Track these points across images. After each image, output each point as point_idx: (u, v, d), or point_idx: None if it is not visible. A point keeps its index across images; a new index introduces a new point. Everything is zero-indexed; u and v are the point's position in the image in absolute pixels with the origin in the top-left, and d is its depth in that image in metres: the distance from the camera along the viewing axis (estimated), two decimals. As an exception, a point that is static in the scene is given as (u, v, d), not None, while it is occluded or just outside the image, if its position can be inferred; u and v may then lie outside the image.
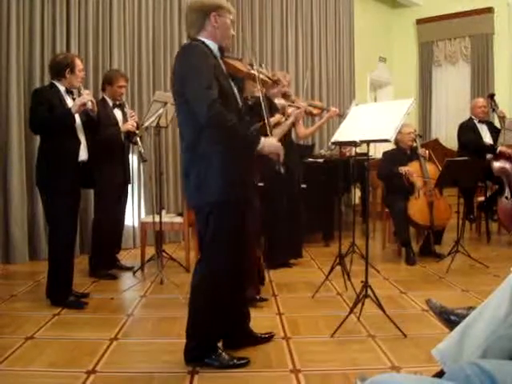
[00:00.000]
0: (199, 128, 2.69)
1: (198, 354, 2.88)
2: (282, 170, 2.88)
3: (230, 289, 2.89)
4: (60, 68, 4.00)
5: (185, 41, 6.88)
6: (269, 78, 3.16)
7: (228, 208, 2.75)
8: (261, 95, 3.08)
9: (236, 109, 2.80)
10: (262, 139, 2.78)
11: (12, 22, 5.31)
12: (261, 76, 3.07)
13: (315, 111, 5.64)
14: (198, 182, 2.75)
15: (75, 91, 4.14)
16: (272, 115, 4.56)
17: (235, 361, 2.90)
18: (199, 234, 2.95)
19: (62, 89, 4.02)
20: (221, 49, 2.87)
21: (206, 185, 2.72)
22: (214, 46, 2.82)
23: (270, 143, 2.80)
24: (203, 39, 2.81)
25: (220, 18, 2.82)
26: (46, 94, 3.97)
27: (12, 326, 3.51)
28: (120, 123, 4.94)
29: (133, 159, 6.23)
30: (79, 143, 4.02)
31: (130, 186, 5.28)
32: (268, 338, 3.22)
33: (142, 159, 4.76)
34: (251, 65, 3.12)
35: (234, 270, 2.87)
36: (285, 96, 5.21)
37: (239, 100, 2.90)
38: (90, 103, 3.98)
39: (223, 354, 2.90)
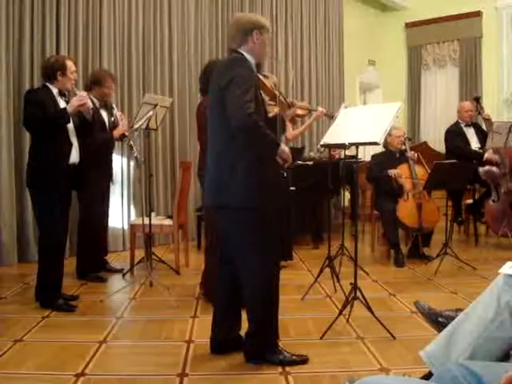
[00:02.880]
0: (230, 132, 2.81)
1: (260, 351, 2.96)
2: (285, 175, 3.21)
3: (276, 285, 3.01)
4: (52, 71, 3.99)
5: (174, 42, 6.93)
6: (285, 100, 3.38)
7: (253, 213, 2.85)
8: (278, 113, 3.40)
9: (264, 119, 2.95)
10: (281, 145, 2.96)
11: (2, 22, 5.29)
12: (280, 97, 3.29)
13: (301, 112, 5.65)
14: (223, 183, 2.86)
15: (70, 92, 4.14)
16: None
17: (294, 357, 2.97)
18: (220, 233, 3.13)
19: (54, 91, 4.01)
20: (257, 64, 3.06)
21: (231, 188, 2.84)
22: (252, 60, 2.98)
23: (284, 150, 2.96)
24: (243, 52, 2.96)
25: (260, 36, 2.99)
26: (40, 94, 3.96)
27: (1, 329, 3.49)
28: (106, 124, 4.94)
29: (122, 161, 6.24)
30: (71, 146, 4.01)
31: (119, 188, 5.28)
32: None
33: (137, 164, 4.78)
34: (275, 84, 3.46)
35: (275, 267, 3.02)
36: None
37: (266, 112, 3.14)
38: (89, 103, 3.98)
39: (283, 351, 2.98)
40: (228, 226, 2.99)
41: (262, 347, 2.97)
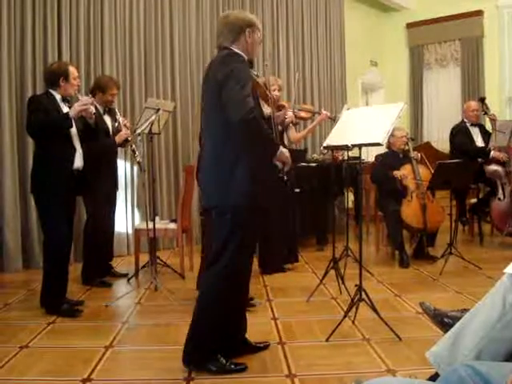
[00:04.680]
0: (228, 131, 2.78)
1: (197, 357, 2.89)
2: (285, 178, 3.11)
3: (237, 293, 2.96)
4: (54, 77, 4.00)
5: (176, 46, 6.93)
6: (274, 102, 3.36)
7: (249, 213, 2.84)
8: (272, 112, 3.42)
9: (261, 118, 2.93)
10: (280, 147, 2.95)
11: (3, 28, 5.31)
12: (271, 98, 3.30)
13: (305, 115, 5.65)
14: (221, 183, 2.83)
15: (73, 98, 4.15)
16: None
17: (233, 366, 2.91)
18: (211, 234, 3.01)
19: (57, 97, 4.01)
20: (250, 62, 3.01)
21: (231, 187, 2.81)
22: (245, 58, 2.94)
23: (283, 152, 2.96)
24: (236, 50, 2.93)
25: (253, 34, 2.99)
26: (43, 100, 3.97)
27: (6, 335, 3.50)
28: (110, 129, 4.95)
29: (125, 166, 6.25)
30: (74, 151, 4.01)
31: (123, 193, 5.29)
32: (263, 348, 3.20)
33: (140, 169, 4.78)
34: (265, 84, 3.45)
35: (243, 274, 2.98)
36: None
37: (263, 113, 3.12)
38: (92, 108, 3.99)
39: (221, 358, 2.91)
40: (221, 227, 2.92)
41: (198, 353, 2.89)
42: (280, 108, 3.52)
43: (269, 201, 2.99)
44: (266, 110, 3.61)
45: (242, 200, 2.81)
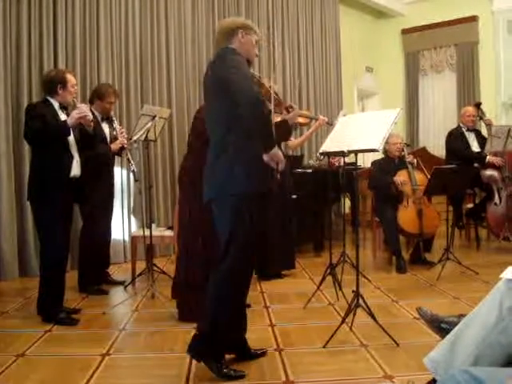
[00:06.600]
0: (229, 125, 2.84)
1: (203, 350, 2.89)
2: (278, 177, 3.11)
3: (243, 290, 2.99)
4: (52, 84, 4.00)
5: (171, 53, 6.97)
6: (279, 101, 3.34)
7: (251, 201, 2.85)
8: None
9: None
10: (275, 148, 2.90)
11: (-1, 35, 5.33)
12: (275, 97, 3.29)
13: (302, 120, 5.65)
14: (224, 175, 2.86)
15: (70, 106, 4.15)
16: None
17: (232, 372, 2.90)
18: (216, 229, 3.02)
19: (55, 105, 4.01)
20: (248, 62, 3.03)
21: (232, 177, 2.84)
22: (241, 53, 2.98)
23: (276, 152, 2.87)
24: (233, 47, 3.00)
25: (246, 36, 3.02)
26: (40, 108, 3.96)
27: (3, 344, 3.48)
28: (107, 137, 4.95)
29: (122, 173, 6.24)
30: (72, 159, 4.00)
31: (119, 200, 5.29)
32: (261, 355, 3.18)
33: (134, 179, 4.80)
34: (269, 86, 3.43)
35: (248, 270, 2.99)
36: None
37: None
38: (90, 115, 4.00)
39: (223, 361, 2.91)
40: (222, 224, 2.95)
41: (205, 350, 2.89)
42: (288, 109, 3.47)
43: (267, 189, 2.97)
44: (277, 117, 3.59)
45: (241, 188, 2.83)
